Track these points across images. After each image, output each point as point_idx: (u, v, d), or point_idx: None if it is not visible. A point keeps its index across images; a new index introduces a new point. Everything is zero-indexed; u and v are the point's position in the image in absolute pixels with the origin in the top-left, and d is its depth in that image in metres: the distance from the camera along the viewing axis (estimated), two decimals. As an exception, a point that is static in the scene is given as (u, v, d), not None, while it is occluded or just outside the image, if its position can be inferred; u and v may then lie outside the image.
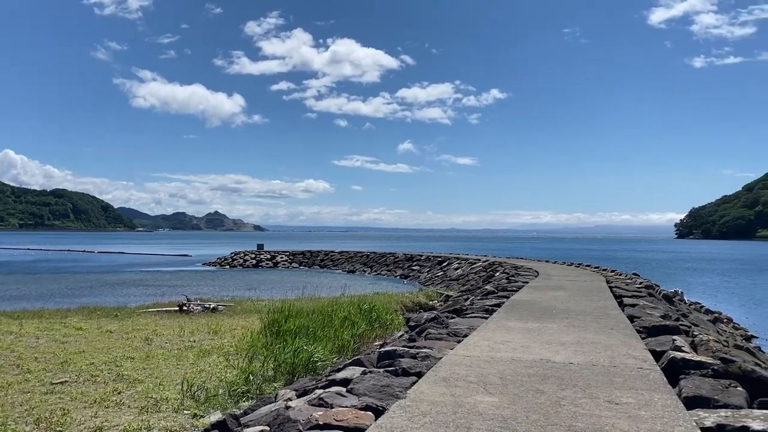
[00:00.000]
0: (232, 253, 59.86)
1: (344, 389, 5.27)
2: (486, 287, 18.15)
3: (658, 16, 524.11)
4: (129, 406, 7.16)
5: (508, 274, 23.84)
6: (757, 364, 9.00)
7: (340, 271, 49.03)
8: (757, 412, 4.59)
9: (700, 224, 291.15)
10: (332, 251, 58.02)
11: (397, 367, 5.80)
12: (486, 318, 9.61)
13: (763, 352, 14.76)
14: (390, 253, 52.05)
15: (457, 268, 37.86)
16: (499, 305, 11.47)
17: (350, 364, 7.20)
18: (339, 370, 6.90)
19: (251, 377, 8.08)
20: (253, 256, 56.56)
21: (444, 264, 41.59)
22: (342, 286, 22.20)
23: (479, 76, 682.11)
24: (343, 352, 10.30)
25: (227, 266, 54.55)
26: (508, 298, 13.04)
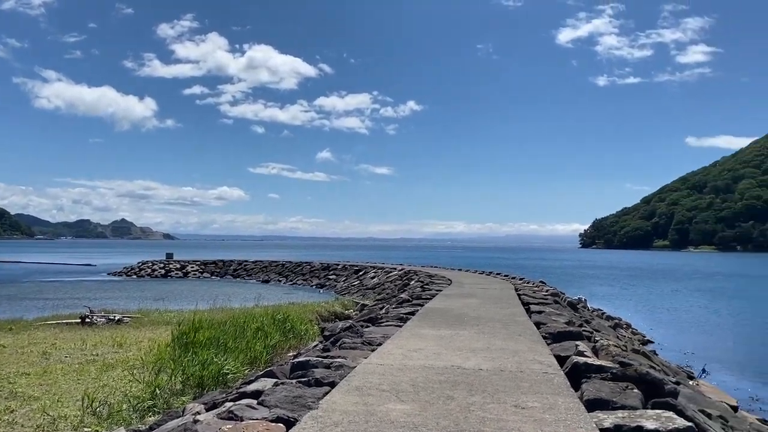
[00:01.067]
0: (139, 263, 57.46)
1: (255, 401, 5.16)
2: (401, 296, 18.34)
3: (565, 36, 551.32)
4: (23, 425, 6.70)
5: (422, 282, 24.18)
6: (652, 367, 9.57)
7: (254, 280, 48.13)
8: (650, 412, 4.88)
9: (602, 235, 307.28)
10: (246, 261, 56.87)
11: (310, 378, 5.74)
12: (400, 326, 9.70)
13: (658, 355, 15.75)
14: (306, 263, 51.65)
15: (373, 277, 38.06)
16: (413, 313, 11.61)
17: (262, 376, 7.07)
18: (250, 382, 6.75)
19: (158, 391, 7.77)
20: (161, 265, 54.53)
21: (360, 273, 41.69)
22: (256, 296, 21.80)
23: (396, 88, 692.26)
24: (256, 364, 10.10)
25: (134, 276, 52.34)
26: (422, 306, 13.22)
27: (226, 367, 8.83)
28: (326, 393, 5.12)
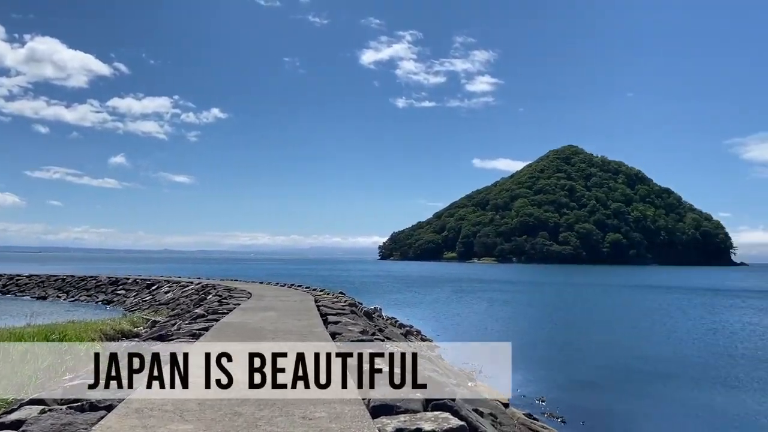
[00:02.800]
0: None
1: (14, 433, 4.59)
2: (196, 311, 17.60)
3: (368, 57, 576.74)
4: None
5: (220, 296, 23.45)
6: (435, 371, 10.29)
7: (29, 297, 42.89)
8: (429, 414, 5.23)
9: (399, 247, 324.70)
10: (19, 275, 50.51)
11: (84, 402, 5.26)
12: (192, 342, 9.30)
13: (443, 359, 16.98)
14: (91, 277, 47.30)
15: (167, 292, 36.04)
16: (207, 329, 11.20)
17: (27, 404, 6.30)
18: (12, 411, 5.99)
19: None
20: None
21: (153, 287, 39.24)
22: (28, 314, 19.43)
23: (200, 93, 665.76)
24: (23, 391, 8.98)
25: None
26: (217, 321, 12.81)
27: (-16, 396, 7.73)
28: (102, 418, 4.72)
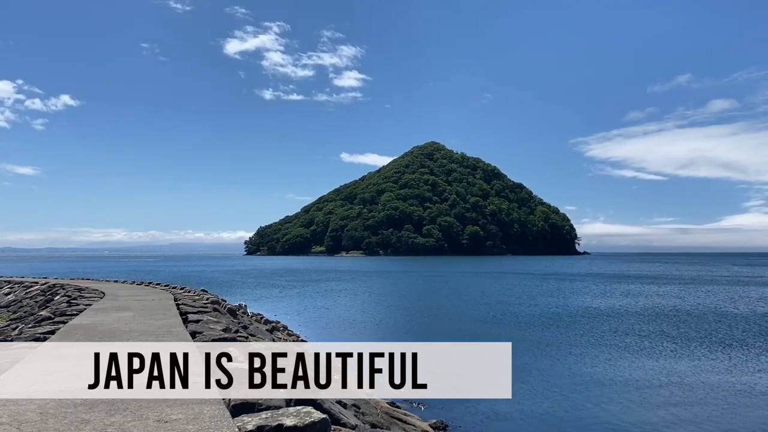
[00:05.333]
0: None
1: None
2: (41, 313, 16.21)
3: (233, 47, 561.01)
4: None
5: (70, 297, 21.77)
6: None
7: None
8: (291, 409, 5.22)
9: (266, 242, 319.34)
10: None
11: None
12: (36, 347, 8.57)
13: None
14: None
15: (8, 294, 32.83)
16: (53, 332, 10.40)
17: None
18: None
19: None
20: None
21: (-10, 289, 35.58)
22: None
23: (47, 78, 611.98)
24: None
25: None
26: (66, 323, 11.90)
27: None
28: None
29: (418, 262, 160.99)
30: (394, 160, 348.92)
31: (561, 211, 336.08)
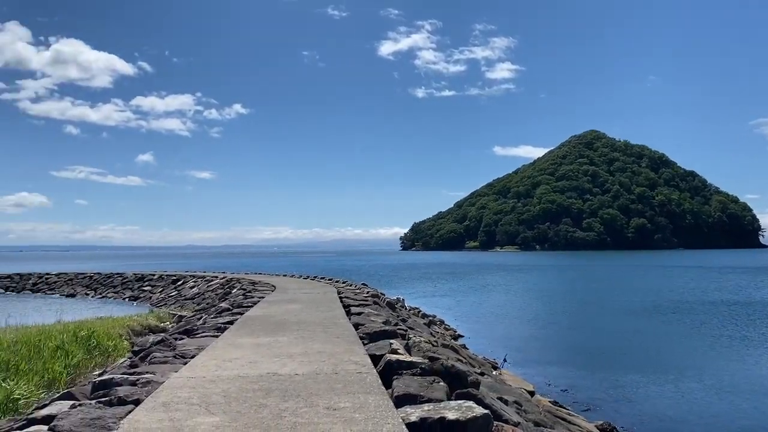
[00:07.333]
0: None
1: (45, 427, 4.69)
2: (221, 305, 17.76)
3: (387, 49, 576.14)
4: None
5: (245, 290, 23.67)
6: (459, 360, 10.26)
7: (58, 295, 43.69)
8: (453, 403, 5.22)
9: (420, 237, 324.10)
10: (48, 273, 51.48)
11: (113, 397, 5.34)
12: (218, 336, 9.40)
13: (467, 348, 16.94)
14: (118, 274, 48.01)
15: (192, 287, 36.44)
16: (232, 322, 11.32)
17: (59, 399, 6.44)
18: (44, 407, 6.12)
19: (-73, 428, 6.73)
20: (-58, 282, 47.47)
21: (179, 283, 39.71)
22: (58, 312, 19.81)
23: (222, 90, 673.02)
24: (55, 386, 9.18)
25: None
26: (242, 314, 12.93)
27: (17, 391, 7.91)
28: (130, 412, 4.80)
29: (578, 257, 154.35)
30: (549, 151, 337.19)
31: (741, 200, 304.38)
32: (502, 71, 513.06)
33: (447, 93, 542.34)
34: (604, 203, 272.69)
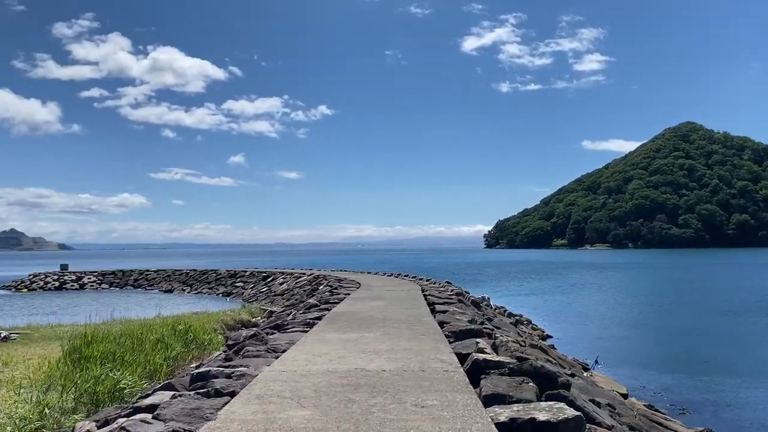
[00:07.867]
0: (30, 275, 53.78)
1: (150, 416, 4.97)
2: (309, 301, 18.22)
3: (470, 44, 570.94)
4: None
5: (331, 287, 24.14)
6: (548, 361, 10.02)
7: (157, 290, 46.27)
8: (543, 404, 5.10)
9: (505, 235, 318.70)
10: (148, 270, 54.62)
11: (210, 389, 5.59)
12: (306, 331, 9.62)
13: (555, 349, 16.52)
14: (212, 270, 50.23)
15: (282, 283, 37.56)
16: (320, 318, 11.56)
17: (160, 389, 6.81)
18: (147, 396, 6.49)
19: (47, 410, 7.29)
20: (56, 277, 51.31)
21: (269, 279, 41.04)
22: (157, 306, 20.97)
23: (308, 92, 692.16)
24: (156, 377, 9.72)
25: (25, 290, 48.91)
26: (329, 310, 13.18)
27: (123, 381, 8.42)
28: (226, 403, 5.00)
29: (673, 255, 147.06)
30: (642, 144, 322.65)
31: None
32: (591, 63, 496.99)
33: (532, 87, 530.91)
34: (702, 198, 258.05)
